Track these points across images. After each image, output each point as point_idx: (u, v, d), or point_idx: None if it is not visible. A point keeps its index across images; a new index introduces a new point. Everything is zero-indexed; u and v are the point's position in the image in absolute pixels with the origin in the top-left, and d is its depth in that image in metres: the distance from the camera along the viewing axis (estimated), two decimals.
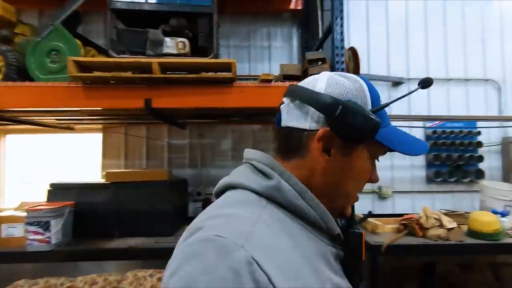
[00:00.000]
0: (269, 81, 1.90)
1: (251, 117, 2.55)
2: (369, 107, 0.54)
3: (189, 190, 2.94)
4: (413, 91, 0.62)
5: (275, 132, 0.62)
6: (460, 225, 2.25)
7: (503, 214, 2.38)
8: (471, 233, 2.23)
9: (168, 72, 1.80)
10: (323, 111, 0.51)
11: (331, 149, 0.53)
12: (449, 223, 2.20)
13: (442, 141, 3.11)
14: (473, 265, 2.91)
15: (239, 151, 3.07)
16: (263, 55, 3.15)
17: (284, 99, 0.59)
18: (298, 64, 2.04)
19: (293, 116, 0.55)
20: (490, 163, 3.19)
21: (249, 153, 0.60)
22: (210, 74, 1.80)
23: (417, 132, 3.21)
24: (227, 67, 1.82)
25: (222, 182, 0.58)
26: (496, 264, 2.94)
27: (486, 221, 2.19)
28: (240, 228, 0.43)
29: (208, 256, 0.38)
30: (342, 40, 1.95)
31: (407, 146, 0.57)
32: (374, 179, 0.61)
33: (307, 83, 0.57)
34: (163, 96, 1.82)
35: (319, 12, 2.75)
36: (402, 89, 3.25)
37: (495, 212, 2.34)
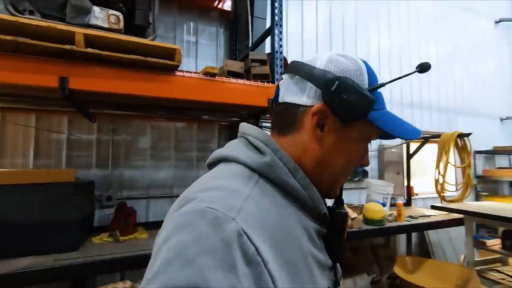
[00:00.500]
0: (213, 75, 1.83)
1: (178, 112, 2.38)
2: (366, 86, 0.55)
3: (96, 194, 2.47)
4: (410, 74, 0.60)
5: (272, 108, 0.63)
6: (358, 215, 2.73)
7: (383, 205, 3.01)
8: (366, 220, 2.72)
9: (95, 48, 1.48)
10: (320, 86, 0.52)
11: (325, 125, 0.54)
12: (352, 213, 2.63)
13: None
14: (358, 248, 3.55)
15: (159, 150, 2.80)
16: (190, 51, 3.01)
17: (284, 76, 0.60)
18: (240, 62, 2.05)
19: (290, 92, 0.56)
20: (371, 165, 4.00)
21: (245, 127, 0.59)
22: (153, 59, 1.59)
23: None
24: (170, 53, 1.65)
25: (215, 154, 0.58)
26: (374, 245, 3.69)
27: (375, 210, 2.72)
28: (231, 201, 0.43)
29: (200, 226, 0.39)
30: (281, 46, 2.09)
31: (400, 129, 0.57)
32: (365, 162, 0.61)
33: (308, 60, 0.58)
34: (85, 76, 1.49)
35: (250, 18, 2.85)
36: None
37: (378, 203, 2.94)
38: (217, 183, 0.48)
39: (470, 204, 3.45)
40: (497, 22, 5.86)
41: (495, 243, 3.33)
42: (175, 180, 2.85)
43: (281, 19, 2.08)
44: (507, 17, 5.97)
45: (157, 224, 0.70)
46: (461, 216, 3.24)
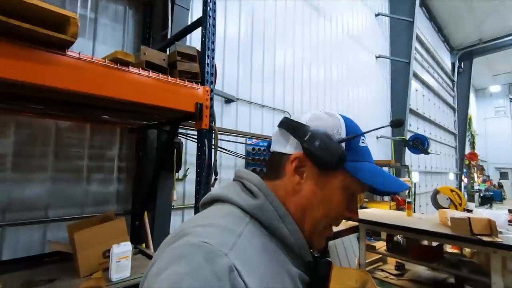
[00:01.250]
0: (126, 63, 1.36)
1: (63, 106, 1.73)
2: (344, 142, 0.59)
3: None
4: (384, 127, 0.70)
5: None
6: None
7: None
8: None
9: None
10: (298, 137, 0.58)
11: (304, 172, 0.58)
12: None
13: (258, 157, 3.62)
14: None
15: (28, 157, 2.01)
16: (85, 30, 2.31)
17: (277, 128, 0.64)
18: (163, 53, 1.62)
19: (278, 142, 0.62)
20: None
21: (241, 172, 0.62)
22: (32, 27, 1.01)
23: (241, 147, 3.55)
24: (60, 22, 1.11)
25: (210, 194, 0.60)
26: None
27: None
28: (225, 238, 0.46)
29: (195, 259, 0.41)
30: (214, 42, 1.77)
31: (382, 181, 0.58)
32: (352, 215, 0.61)
33: (295, 117, 0.63)
34: None
35: (170, 4, 2.42)
36: (233, 107, 3.51)
37: None
38: (212, 220, 0.50)
39: (360, 212, 3.91)
40: (377, 57, 7.14)
41: (380, 245, 3.89)
42: (51, 198, 2.10)
43: (214, 11, 1.77)
44: (383, 54, 7.36)
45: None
46: (356, 224, 3.66)
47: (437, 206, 4.08)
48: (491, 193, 14.77)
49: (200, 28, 1.85)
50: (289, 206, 0.58)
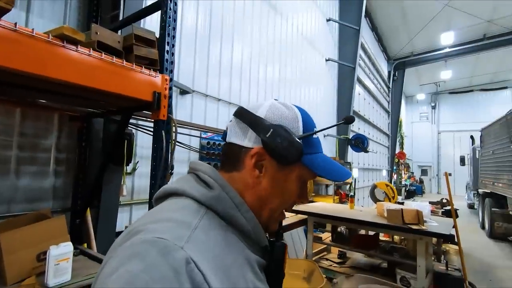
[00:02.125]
0: (75, 42, 1.21)
1: None
2: (300, 133, 0.61)
3: None
4: (338, 124, 0.75)
5: (222, 147, 0.66)
6: None
7: None
8: None
9: None
10: (258, 132, 0.58)
11: (263, 166, 0.59)
12: None
13: (213, 151, 3.56)
14: None
15: None
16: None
17: (232, 118, 0.64)
18: (117, 35, 1.46)
19: (234, 134, 0.61)
20: None
21: (196, 164, 0.62)
22: None
23: (195, 141, 3.44)
24: None
25: (164, 188, 0.59)
26: None
27: None
28: (180, 231, 0.45)
29: (149, 256, 0.40)
30: (175, 28, 1.68)
31: (333, 173, 0.62)
32: (303, 200, 0.66)
33: (252, 107, 0.62)
34: None
35: None
36: (188, 98, 3.38)
37: None
38: (166, 215, 0.50)
39: (306, 206, 4.13)
40: (327, 60, 7.57)
41: (325, 236, 4.16)
42: None
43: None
44: (332, 58, 7.82)
45: None
46: (305, 216, 3.86)
47: (375, 199, 4.52)
48: (414, 188, 16.92)
49: (157, 13, 1.73)
50: (247, 197, 0.59)
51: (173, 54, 1.67)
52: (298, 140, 0.58)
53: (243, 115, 0.61)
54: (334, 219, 3.58)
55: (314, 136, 0.63)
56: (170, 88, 1.65)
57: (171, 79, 1.66)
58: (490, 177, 7.75)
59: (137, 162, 2.76)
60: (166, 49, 1.63)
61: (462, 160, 12.18)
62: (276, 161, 0.58)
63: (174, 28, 1.67)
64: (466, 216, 10.35)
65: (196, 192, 0.54)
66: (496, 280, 4.54)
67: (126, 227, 2.63)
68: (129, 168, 2.68)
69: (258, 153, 0.58)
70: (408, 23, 11.92)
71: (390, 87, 15.15)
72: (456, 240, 3.04)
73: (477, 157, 9.40)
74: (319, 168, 0.61)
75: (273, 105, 0.62)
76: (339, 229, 3.94)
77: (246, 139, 0.59)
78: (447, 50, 13.28)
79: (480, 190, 8.69)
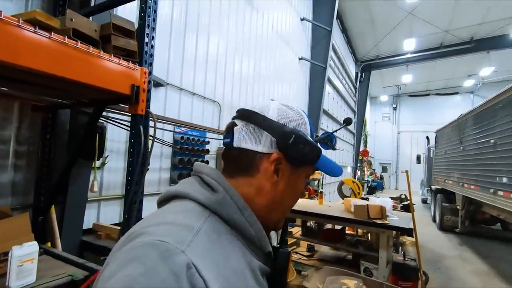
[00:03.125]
0: (48, 28, 1.12)
1: None
2: (309, 135, 0.63)
3: None
4: (340, 128, 0.80)
5: (224, 151, 0.64)
6: None
7: None
8: None
9: None
10: (277, 137, 0.58)
11: (279, 170, 0.60)
12: None
13: (186, 146, 3.49)
14: None
15: None
16: None
17: (238, 122, 0.62)
18: (94, 23, 1.37)
19: (246, 139, 0.60)
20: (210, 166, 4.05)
21: (199, 166, 0.61)
22: None
23: (168, 135, 3.35)
24: None
25: (168, 191, 0.58)
26: None
27: None
28: (182, 235, 0.44)
29: (150, 259, 0.39)
30: (155, 20, 1.62)
31: (334, 170, 0.68)
32: (303, 192, 0.72)
33: (259, 109, 0.62)
34: None
35: None
36: (161, 91, 3.27)
37: None
38: (168, 218, 0.49)
39: None
40: (300, 58, 7.72)
41: (296, 231, 4.31)
42: None
43: None
44: (305, 57, 8.00)
45: None
46: None
47: (342, 195, 4.75)
48: (375, 184, 17.98)
49: (134, 3, 1.66)
50: (260, 202, 0.59)
51: (152, 46, 1.61)
52: (315, 144, 0.61)
53: (252, 119, 0.60)
54: (305, 214, 3.71)
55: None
56: (149, 82, 1.60)
57: (150, 73, 1.60)
58: (442, 174, 8.49)
59: (107, 156, 2.63)
60: (145, 41, 1.57)
61: (418, 159, 13.19)
62: (293, 164, 0.60)
63: (154, 20, 1.61)
64: (420, 210, 11.25)
65: (199, 195, 0.54)
66: (444, 268, 5.03)
67: (93, 224, 2.52)
68: (98, 163, 2.54)
69: (278, 158, 0.58)
70: (375, 28, 12.53)
71: (357, 87, 15.87)
72: (413, 233, 3.31)
73: (431, 156, 10.24)
74: (326, 167, 0.65)
75: (280, 107, 0.63)
76: (308, 224, 4.09)
77: (261, 145, 0.59)
78: (409, 55, 14.18)
79: (433, 187, 9.49)
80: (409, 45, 13.34)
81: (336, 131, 0.74)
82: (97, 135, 1.96)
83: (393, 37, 12.68)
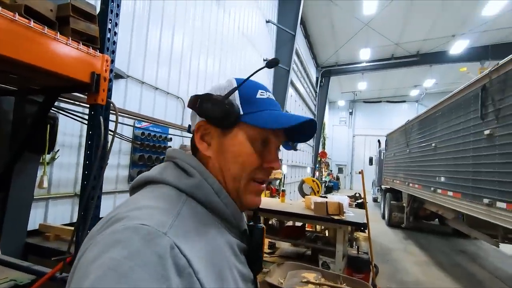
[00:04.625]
0: None
1: None
2: (237, 97, 0.60)
3: None
4: (260, 69, 0.67)
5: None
6: None
7: None
8: None
9: None
10: (192, 107, 0.60)
11: (208, 136, 0.60)
12: None
13: (147, 142, 3.34)
14: None
15: None
16: None
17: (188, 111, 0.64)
18: (50, 2, 1.25)
19: (191, 122, 0.64)
20: None
21: (173, 152, 0.62)
22: None
23: (128, 130, 3.18)
24: None
25: (141, 176, 0.59)
26: None
27: None
28: (163, 218, 0.45)
29: (133, 242, 0.39)
30: (119, 6, 1.53)
31: (275, 120, 0.59)
32: (271, 165, 0.61)
33: None
34: None
35: None
36: (121, 83, 3.09)
37: None
38: (147, 202, 0.49)
39: None
40: (264, 60, 7.84)
41: None
42: None
43: None
44: (269, 59, 8.13)
45: None
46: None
47: (303, 193, 4.93)
48: (332, 184, 18.93)
49: None
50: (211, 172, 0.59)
51: (116, 33, 1.53)
52: (225, 99, 0.57)
53: (189, 102, 0.62)
54: (267, 212, 3.78)
55: (260, 96, 0.62)
56: (111, 71, 1.51)
57: (112, 61, 1.52)
58: (390, 175, 9.24)
59: (57, 151, 2.41)
60: (108, 27, 1.48)
61: (370, 161, 14.18)
62: (217, 127, 0.58)
63: (118, 5, 1.53)
64: (371, 208, 12.11)
65: (175, 179, 0.55)
66: (392, 260, 5.48)
67: (40, 225, 2.29)
68: (47, 158, 2.32)
69: (199, 126, 0.59)
70: (336, 36, 13.23)
71: (317, 92, 16.58)
72: (367, 228, 3.56)
73: (382, 158, 11.08)
74: (260, 120, 0.58)
75: (216, 83, 0.65)
76: (270, 222, 4.18)
77: (195, 121, 0.61)
78: (364, 64, 15.20)
79: (383, 186, 10.28)
80: (365, 54, 14.31)
81: (253, 74, 0.63)
82: (48, 126, 1.79)
83: (351, 46, 13.49)
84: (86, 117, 2.24)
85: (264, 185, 0.63)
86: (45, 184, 1.81)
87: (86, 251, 0.42)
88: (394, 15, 10.91)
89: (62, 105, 2.31)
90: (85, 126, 2.60)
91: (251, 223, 0.66)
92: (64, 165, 2.53)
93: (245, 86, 0.62)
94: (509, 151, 3.06)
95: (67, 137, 2.54)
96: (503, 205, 3.11)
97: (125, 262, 0.37)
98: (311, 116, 15.84)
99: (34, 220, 2.26)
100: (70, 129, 2.57)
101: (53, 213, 2.45)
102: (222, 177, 0.59)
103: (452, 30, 11.87)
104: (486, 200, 3.42)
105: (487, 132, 3.48)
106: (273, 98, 0.65)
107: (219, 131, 0.59)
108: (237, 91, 0.60)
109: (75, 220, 2.56)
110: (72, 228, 2.18)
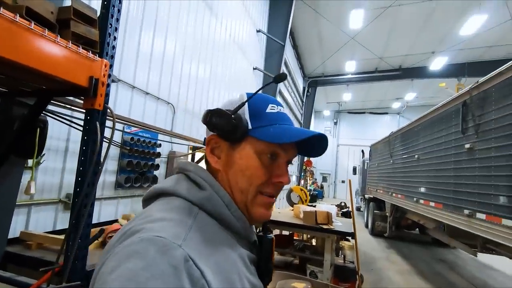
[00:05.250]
0: None
1: None
2: (246, 111, 0.61)
3: None
4: (268, 84, 0.71)
5: None
6: None
7: None
8: None
9: None
10: (204, 122, 0.61)
11: (218, 150, 0.62)
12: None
13: (136, 148, 3.27)
14: None
15: None
16: None
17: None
18: (52, 4, 1.22)
19: (206, 133, 0.65)
20: (160, 170, 3.86)
21: (185, 165, 0.63)
22: None
23: (116, 135, 3.11)
24: None
25: (154, 188, 0.60)
26: None
27: None
28: (177, 230, 0.47)
29: (149, 254, 0.41)
30: (119, 10, 1.52)
31: (281, 135, 0.58)
32: (280, 179, 0.61)
33: None
34: None
35: None
36: (112, 87, 3.02)
37: None
38: (161, 215, 0.50)
39: None
40: (254, 68, 7.92)
41: None
42: None
43: None
44: (259, 68, 8.23)
45: None
46: None
47: (291, 202, 4.96)
48: (316, 192, 19.12)
49: None
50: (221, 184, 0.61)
51: (115, 38, 1.51)
52: (234, 113, 0.58)
53: (203, 117, 0.62)
54: None
55: (270, 110, 0.62)
56: (109, 76, 1.48)
57: (111, 66, 1.49)
58: (374, 185, 9.46)
59: (43, 155, 2.32)
60: (108, 32, 1.46)
61: (354, 170, 14.48)
62: (226, 141, 0.60)
63: (119, 11, 1.51)
64: (355, 217, 12.30)
65: (187, 192, 0.56)
66: (376, 269, 5.57)
67: (21, 232, 2.17)
68: (31, 162, 2.22)
69: (210, 140, 0.62)
70: (323, 48, 13.57)
71: (304, 101, 16.85)
72: (354, 237, 3.62)
73: (366, 168, 11.35)
74: (267, 135, 0.58)
75: (231, 97, 0.66)
76: (257, 230, 4.16)
77: (207, 134, 0.64)
78: (350, 76, 15.65)
79: (366, 196, 10.50)
80: (350, 66, 14.74)
81: (262, 88, 0.65)
82: (38, 129, 1.72)
83: (338, 58, 13.87)
84: (76, 121, 2.18)
85: (273, 198, 0.62)
86: (33, 190, 1.73)
87: (105, 262, 0.43)
88: (379, 30, 11.36)
89: (51, 107, 2.24)
90: (73, 130, 2.52)
91: (260, 234, 0.67)
92: (49, 170, 2.43)
93: (255, 101, 0.62)
94: (488, 165, 3.22)
95: (53, 140, 2.45)
96: (482, 216, 3.25)
97: (142, 273, 0.38)
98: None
99: (15, 227, 2.15)
100: (57, 133, 2.48)
101: (35, 220, 2.33)
102: (230, 189, 0.60)
103: (432, 47, 12.48)
104: (466, 211, 3.57)
105: (467, 146, 3.66)
106: (284, 112, 0.65)
107: (228, 145, 0.60)
108: (247, 105, 0.61)
109: (58, 227, 2.45)
110: (56, 236, 2.08)
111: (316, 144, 0.65)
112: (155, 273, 0.38)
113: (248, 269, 0.57)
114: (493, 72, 3.24)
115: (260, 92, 0.66)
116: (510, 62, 2.97)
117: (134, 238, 0.44)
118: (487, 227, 3.16)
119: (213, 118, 0.59)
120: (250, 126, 0.60)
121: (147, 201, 0.60)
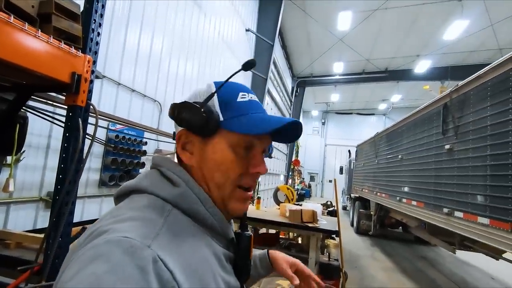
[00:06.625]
0: None
1: None
2: (216, 102, 0.58)
3: None
4: (237, 72, 0.61)
5: None
6: None
7: None
8: None
9: None
10: (171, 116, 0.59)
11: (190, 145, 0.59)
12: None
13: (121, 146, 3.22)
14: None
15: None
16: None
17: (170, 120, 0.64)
18: None
19: (175, 128, 0.62)
20: (146, 168, 3.82)
21: (159, 160, 0.60)
22: None
23: (101, 132, 3.05)
24: None
25: (126, 185, 0.57)
26: None
27: None
28: (146, 230, 0.44)
29: (114, 256, 0.38)
30: (104, 6, 1.50)
31: (255, 125, 0.56)
32: (256, 170, 0.59)
33: None
34: None
35: None
36: (96, 83, 2.96)
37: None
38: (131, 214, 0.47)
39: None
40: None
41: None
42: None
43: None
44: None
45: None
46: None
47: (277, 201, 4.99)
48: (304, 191, 19.32)
49: None
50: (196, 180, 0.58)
51: (99, 34, 1.49)
52: (203, 105, 0.55)
53: (169, 111, 0.60)
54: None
55: (241, 99, 0.59)
56: (93, 72, 1.46)
57: (94, 62, 1.47)
58: (360, 184, 9.65)
59: (23, 151, 2.25)
60: (91, 27, 1.44)
61: (341, 170, 14.71)
62: (198, 135, 0.57)
63: (103, 6, 1.49)
64: (340, 215, 12.49)
65: (160, 189, 0.53)
66: (360, 267, 5.69)
67: None
68: (10, 159, 2.16)
69: (180, 135, 0.58)
70: (311, 49, 13.71)
71: (292, 101, 16.98)
72: (339, 235, 3.68)
73: (352, 168, 11.55)
74: (241, 126, 0.56)
75: (197, 88, 0.62)
76: None
77: (177, 131, 0.60)
78: (337, 77, 15.87)
79: (352, 195, 10.68)
80: (338, 67, 14.95)
81: (231, 77, 0.60)
82: (18, 125, 1.67)
83: (326, 59, 14.05)
84: (58, 117, 2.13)
85: (251, 192, 0.61)
86: (11, 188, 1.68)
87: (67, 268, 0.40)
88: (366, 32, 11.57)
89: (31, 103, 2.18)
90: (55, 127, 2.46)
91: (239, 231, 0.66)
92: (29, 167, 2.36)
93: (225, 90, 0.59)
94: (466, 165, 3.35)
95: (35, 137, 2.39)
96: (460, 214, 3.38)
97: (106, 277, 0.36)
98: None
99: None
100: (38, 129, 2.42)
101: (14, 218, 2.27)
102: (206, 185, 0.58)
103: (417, 51, 12.82)
104: (445, 210, 3.70)
105: (447, 146, 3.79)
106: (256, 99, 0.62)
107: (200, 139, 0.57)
108: (216, 96, 0.58)
109: (38, 226, 2.40)
110: (36, 235, 2.03)
111: (290, 131, 0.63)
112: (120, 276, 0.36)
113: (223, 268, 0.55)
114: (472, 76, 3.37)
115: (230, 80, 0.61)
116: (487, 67, 3.10)
117: (99, 240, 0.41)
118: (464, 225, 3.29)
119: (181, 113, 0.56)
120: (221, 118, 0.56)
121: (118, 199, 0.56)
